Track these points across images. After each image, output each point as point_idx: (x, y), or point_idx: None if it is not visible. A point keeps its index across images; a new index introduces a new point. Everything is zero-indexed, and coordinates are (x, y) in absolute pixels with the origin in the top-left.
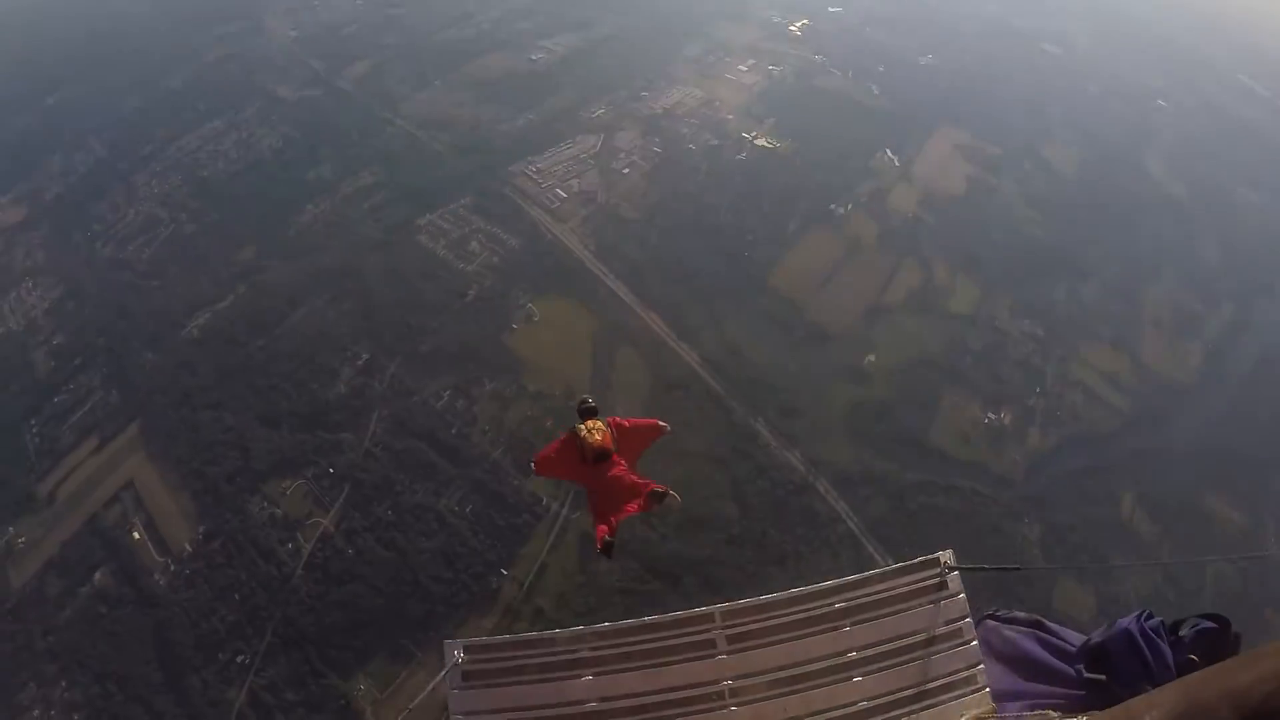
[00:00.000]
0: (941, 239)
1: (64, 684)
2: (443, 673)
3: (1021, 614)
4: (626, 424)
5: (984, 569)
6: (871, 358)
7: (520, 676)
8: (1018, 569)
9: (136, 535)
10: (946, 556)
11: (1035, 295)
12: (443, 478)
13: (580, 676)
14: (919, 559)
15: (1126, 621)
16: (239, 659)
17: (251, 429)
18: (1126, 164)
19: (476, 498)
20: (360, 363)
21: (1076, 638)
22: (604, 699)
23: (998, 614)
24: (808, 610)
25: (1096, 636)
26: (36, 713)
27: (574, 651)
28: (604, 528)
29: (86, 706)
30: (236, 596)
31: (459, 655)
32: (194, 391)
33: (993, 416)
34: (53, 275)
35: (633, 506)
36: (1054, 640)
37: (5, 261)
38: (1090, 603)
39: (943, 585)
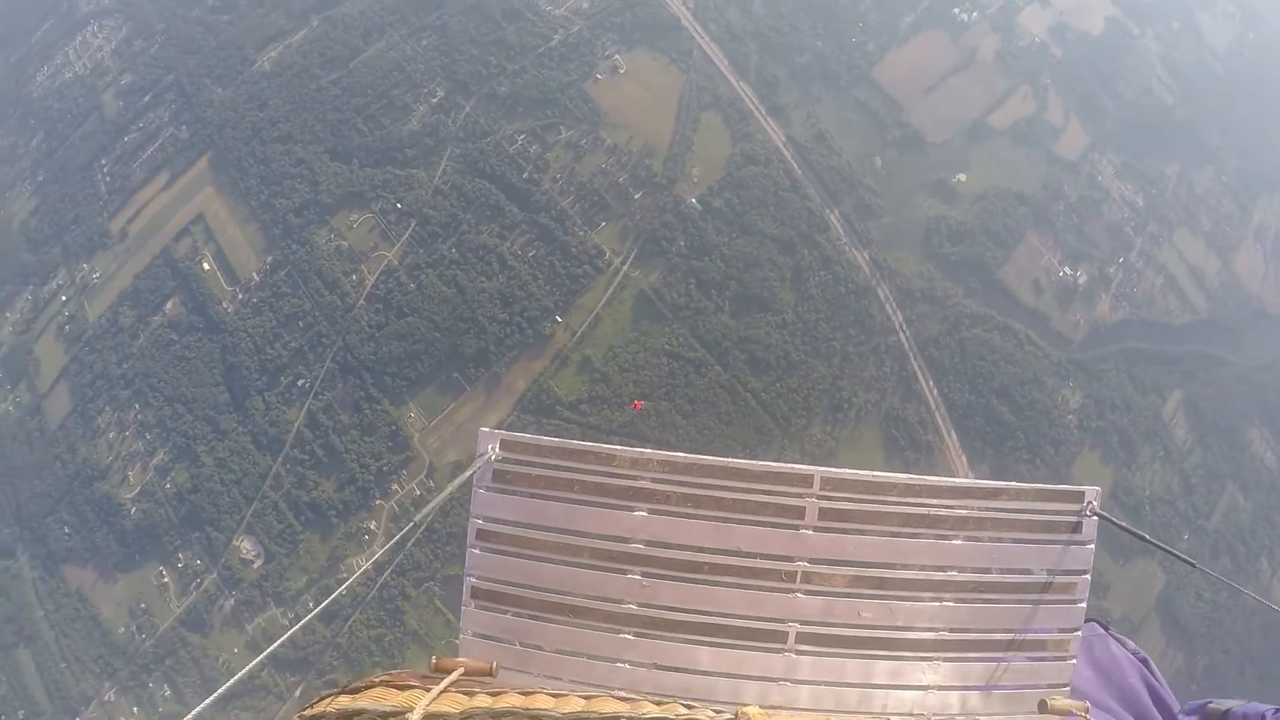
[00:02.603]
0: (1065, 75)
1: (137, 407)
2: (473, 467)
3: (1132, 643)
4: None
5: (1132, 533)
6: (962, 177)
7: (563, 491)
8: (1169, 553)
9: (206, 266)
10: (1093, 495)
11: (1147, 163)
12: (509, 221)
13: (633, 509)
14: (1063, 487)
15: (1265, 709)
16: (300, 383)
17: (321, 162)
18: None
19: (540, 244)
20: (435, 100)
21: (1175, 701)
22: (654, 543)
23: (1107, 625)
24: (922, 506)
25: (1222, 702)
26: (112, 435)
27: (633, 478)
28: None
29: (158, 426)
30: (300, 324)
31: (493, 450)
32: (264, 125)
33: (1068, 271)
34: (119, 15)
35: None
36: (1157, 685)
37: (69, 5)
38: (1108, 479)
39: (1077, 528)
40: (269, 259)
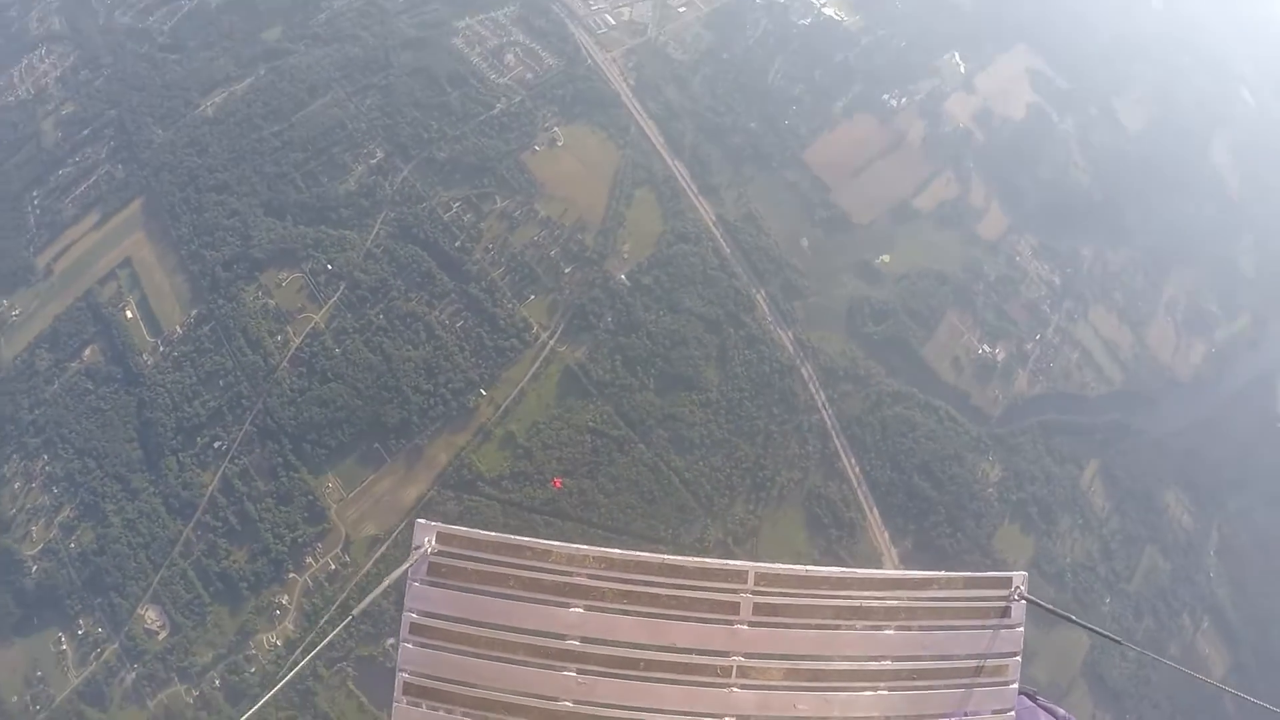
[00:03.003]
0: (987, 159)
1: (46, 457)
2: (409, 560)
3: (1061, 710)
4: None
5: (1059, 615)
6: (886, 258)
7: (499, 586)
8: (1096, 632)
9: (129, 314)
10: (1020, 580)
11: (1064, 243)
12: (439, 289)
13: (569, 606)
14: (990, 574)
15: None
16: (216, 444)
17: (256, 216)
18: (1193, 141)
19: (469, 315)
20: (374, 161)
21: None
22: (590, 639)
23: (1034, 695)
24: (852, 598)
25: None
26: (17, 485)
27: (569, 574)
28: None
29: (66, 480)
30: (221, 383)
31: (430, 543)
32: (201, 172)
33: (988, 349)
34: (68, 42)
35: None
36: None
37: (19, 27)
38: (1029, 549)
39: (1006, 612)
40: (194, 312)
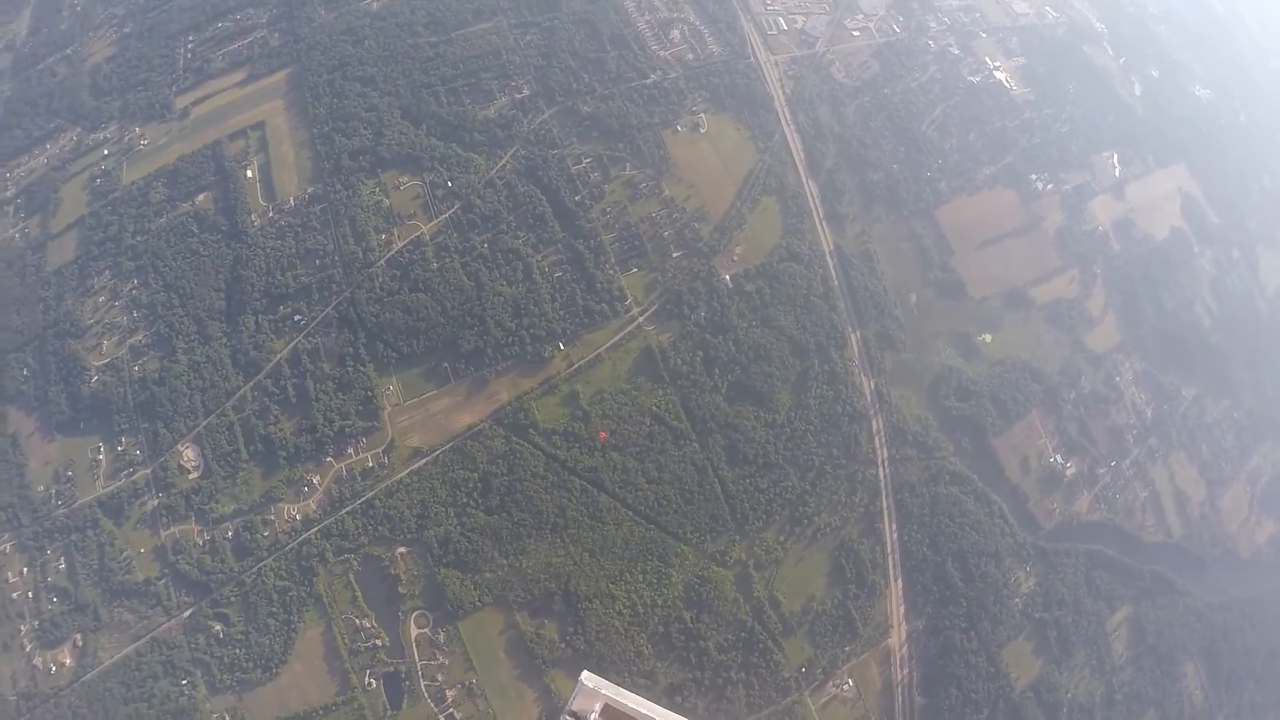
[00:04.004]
0: (1116, 270)
1: (135, 282)
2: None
3: None
4: None
5: None
6: (988, 337)
7: None
8: None
9: (249, 174)
10: None
11: (1167, 378)
12: (547, 235)
13: None
14: None
15: None
16: (296, 318)
17: (392, 116)
18: None
19: (569, 268)
20: (519, 97)
21: None
22: None
23: None
24: None
25: None
26: (102, 299)
27: None
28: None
29: (148, 307)
30: (317, 262)
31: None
32: (352, 62)
33: (1060, 460)
34: None
35: None
36: None
37: None
38: (1035, 671)
39: None
40: (311, 189)
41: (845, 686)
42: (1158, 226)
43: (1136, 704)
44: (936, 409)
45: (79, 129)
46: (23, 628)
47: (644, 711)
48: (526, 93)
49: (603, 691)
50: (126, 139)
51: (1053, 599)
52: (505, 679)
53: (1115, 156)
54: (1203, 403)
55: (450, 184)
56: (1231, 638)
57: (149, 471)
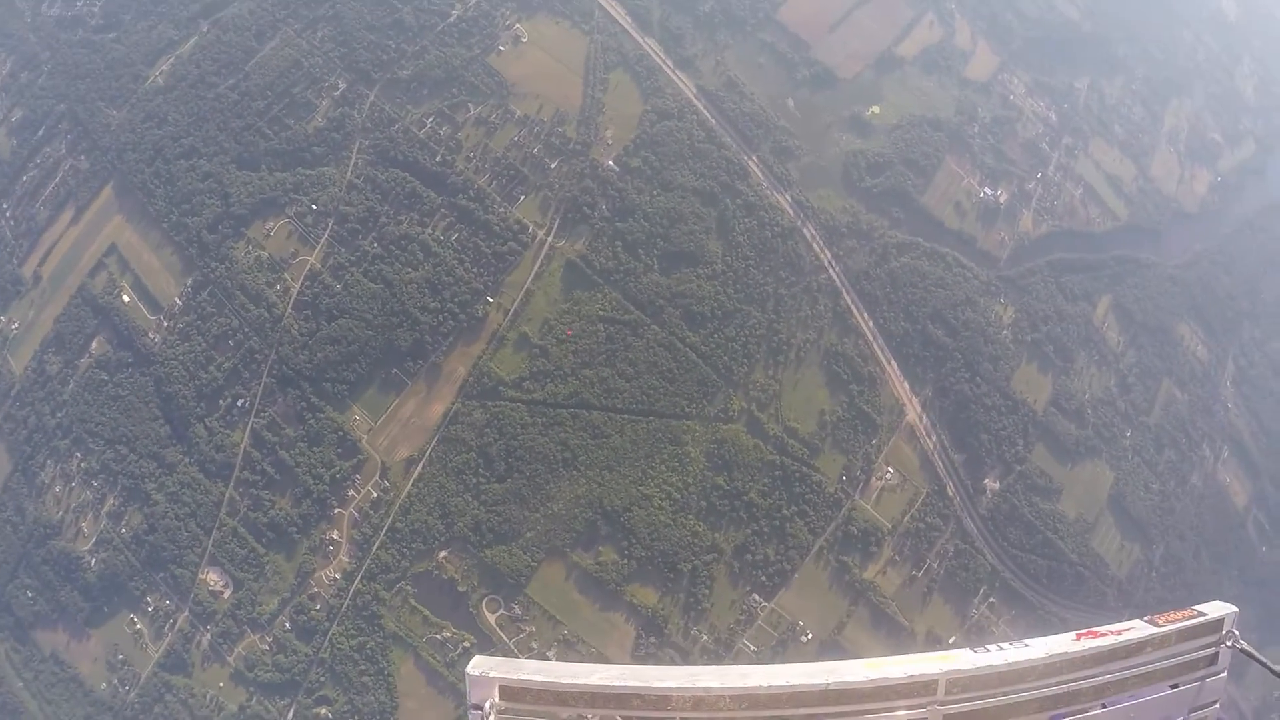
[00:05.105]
0: None
1: (79, 455)
2: None
3: None
4: None
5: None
6: (876, 109)
7: None
8: None
9: (125, 298)
10: (1230, 621)
11: (1057, 78)
12: (427, 207)
13: None
14: (1198, 620)
15: None
16: (239, 403)
17: (229, 173)
18: None
19: (462, 226)
20: (338, 93)
21: None
22: None
23: None
24: (1062, 684)
25: None
26: (58, 488)
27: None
28: None
29: (103, 472)
30: (230, 343)
31: (492, 706)
32: (165, 143)
33: (989, 191)
34: (1, 49)
35: None
36: None
37: None
38: (1047, 388)
39: (1213, 660)
40: (189, 281)
41: (888, 475)
42: None
43: (1150, 379)
44: (857, 193)
45: None
46: None
47: (540, 677)
48: (343, 86)
49: (492, 675)
50: None
51: (1036, 318)
52: (591, 617)
53: None
54: (1099, 87)
55: (314, 206)
56: (1210, 287)
57: (187, 613)
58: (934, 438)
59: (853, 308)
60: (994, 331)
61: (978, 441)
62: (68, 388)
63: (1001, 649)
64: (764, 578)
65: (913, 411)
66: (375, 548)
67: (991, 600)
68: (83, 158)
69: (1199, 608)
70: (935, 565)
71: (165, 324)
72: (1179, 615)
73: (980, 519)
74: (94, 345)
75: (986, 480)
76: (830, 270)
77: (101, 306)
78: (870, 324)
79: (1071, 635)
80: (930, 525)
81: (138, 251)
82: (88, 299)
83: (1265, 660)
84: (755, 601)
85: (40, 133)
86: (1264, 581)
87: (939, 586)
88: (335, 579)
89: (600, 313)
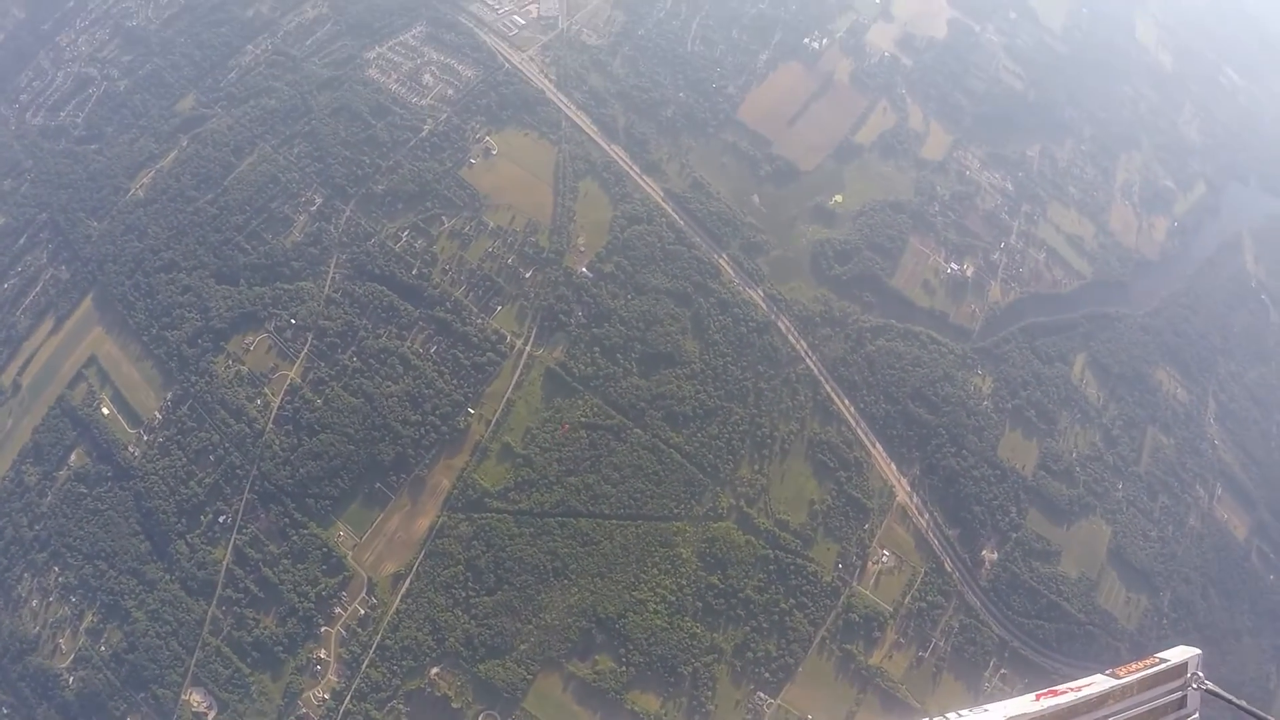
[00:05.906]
0: (918, 82)
1: (56, 570)
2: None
3: None
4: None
5: (1245, 710)
6: (839, 198)
7: None
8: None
9: (105, 410)
10: (1194, 664)
11: (1009, 148)
12: (405, 320)
13: None
14: (1160, 667)
15: None
16: (220, 519)
17: (208, 287)
18: (1116, 25)
19: (440, 338)
20: (314, 208)
21: None
22: None
23: None
24: None
25: None
26: (35, 602)
27: None
28: None
29: (81, 587)
30: (211, 458)
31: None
32: (145, 256)
33: (955, 266)
34: None
35: None
36: None
37: None
38: (1034, 452)
39: (1183, 703)
40: (169, 395)
41: (884, 558)
42: (935, 27)
43: (1134, 429)
44: (827, 282)
45: None
46: None
47: None
48: (320, 201)
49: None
50: None
51: (1015, 384)
52: None
53: None
54: (1050, 152)
55: (294, 321)
56: (1182, 330)
57: None
58: (926, 515)
59: (833, 395)
60: (975, 403)
61: (970, 514)
62: (46, 499)
63: (960, 716)
64: (767, 674)
65: (902, 492)
66: (365, 666)
67: (1003, 671)
68: (63, 267)
69: (1161, 654)
70: (941, 643)
71: (145, 438)
72: (1140, 665)
73: (982, 591)
74: (73, 457)
75: (984, 551)
76: (808, 360)
77: (81, 418)
78: (852, 409)
79: (1031, 696)
80: (932, 603)
81: (117, 363)
82: (67, 410)
83: (1233, 698)
84: (761, 699)
85: (22, 240)
86: (1277, 611)
87: (948, 664)
88: (324, 699)
89: (582, 419)
